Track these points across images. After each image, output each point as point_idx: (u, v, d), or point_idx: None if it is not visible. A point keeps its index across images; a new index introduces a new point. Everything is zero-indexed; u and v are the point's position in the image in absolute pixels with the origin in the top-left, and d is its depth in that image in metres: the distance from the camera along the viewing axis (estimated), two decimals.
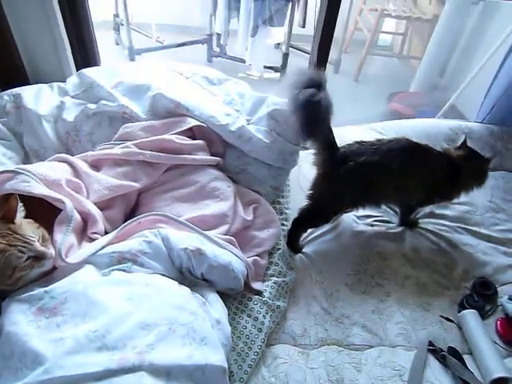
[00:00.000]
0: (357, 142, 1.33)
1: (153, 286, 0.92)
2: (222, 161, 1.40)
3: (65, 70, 1.70)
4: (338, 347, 1.23)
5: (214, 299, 1.02)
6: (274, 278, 1.29)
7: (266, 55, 3.38)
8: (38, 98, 1.44)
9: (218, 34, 3.33)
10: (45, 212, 1.01)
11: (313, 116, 1.21)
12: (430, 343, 1.24)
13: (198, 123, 1.36)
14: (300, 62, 3.47)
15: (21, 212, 0.94)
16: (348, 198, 1.36)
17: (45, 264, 0.92)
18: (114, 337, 0.80)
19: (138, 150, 1.25)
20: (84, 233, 1.08)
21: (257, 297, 1.21)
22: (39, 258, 0.90)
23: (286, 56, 3.34)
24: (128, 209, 1.23)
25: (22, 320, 0.83)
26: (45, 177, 1.07)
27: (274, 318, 1.21)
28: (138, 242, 1.01)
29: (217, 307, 1.00)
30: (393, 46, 4.13)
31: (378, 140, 1.33)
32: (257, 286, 1.23)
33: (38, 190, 1.00)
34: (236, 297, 1.19)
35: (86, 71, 1.54)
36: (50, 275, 0.95)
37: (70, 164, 1.19)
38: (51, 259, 0.92)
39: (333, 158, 1.29)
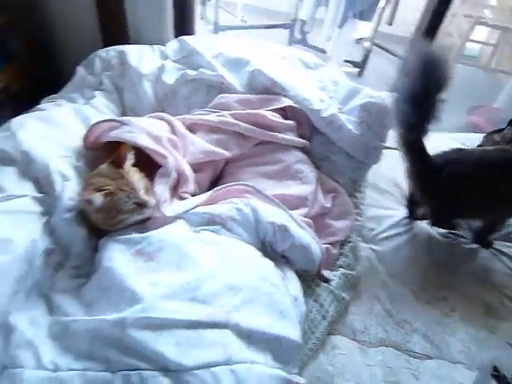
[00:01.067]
0: (454, 150, 1.27)
1: (240, 251, 0.95)
2: (309, 145, 1.40)
3: (163, 35, 1.74)
4: (397, 351, 1.21)
5: (292, 276, 1.03)
6: (342, 270, 1.29)
7: (347, 49, 3.32)
8: (141, 57, 1.49)
9: (303, 21, 3.30)
10: (142, 165, 1.06)
11: (433, 80, 1.09)
12: (495, 368, 1.19)
13: (291, 104, 1.36)
14: (380, 61, 3.38)
15: (130, 160, 0.99)
16: (439, 208, 1.31)
17: (144, 212, 0.97)
18: (204, 292, 0.83)
19: (234, 121, 1.27)
20: (175, 190, 1.12)
21: (325, 284, 1.21)
22: (141, 205, 0.95)
23: (367, 52, 3.26)
24: (215, 175, 1.27)
25: (120, 258, 0.88)
26: (148, 131, 1.11)
27: (337, 308, 1.21)
28: (229, 207, 1.03)
29: (295, 284, 1.01)
30: (481, 56, 3.90)
31: (478, 149, 1.26)
32: (326, 273, 1.23)
33: (143, 141, 1.05)
34: (305, 279, 1.19)
35: (186, 38, 1.58)
36: (143, 224, 1.00)
37: (169, 122, 1.24)
38: (150, 208, 0.97)
39: (426, 164, 1.24)
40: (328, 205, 1.31)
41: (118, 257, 0.88)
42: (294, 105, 1.37)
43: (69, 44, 1.71)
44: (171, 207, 1.02)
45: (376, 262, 1.42)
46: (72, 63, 1.51)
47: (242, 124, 1.27)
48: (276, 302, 0.89)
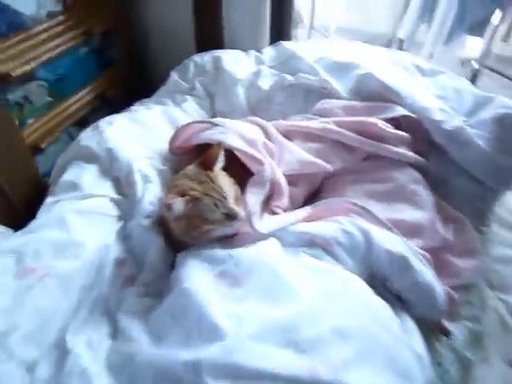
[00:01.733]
0: None
1: (350, 285, 0.73)
2: (426, 164, 1.15)
3: (260, 44, 1.64)
4: None
5: (413, 328, 0.78)
6: (466, 322, 0.99)
7: (450, 69, 2.98)
8: (236, 62, 1.40)
9: (401, 40, 3.06)
10: (233, 172, 0.91)
11: None
12: None
13: (407, 113, 1.13)
14: (491, 84, 2.98)
15: (221, 162, 0.84)
16: None
17: (233, 225, 0.80)
18: (304, 335, 0.62)
19: (337, 128, 1.08)
20: (267, 203, 0.95)
21: (444, 338, 0.94)
22: (230, 216, 0.79)
23: (475, 73, 2.89)
24: (311, 191, 1.08)
25: (201, 279, 0.71)
26: (241, 133, 0.97)
27: (460, 370, 0.92)
28: (333, 227, 0.83)
29: (417, 338, 0.76)
30: None
31: None
32: (447, 324, 0.95)
33: (236, 143, 0.90)
34: (421, 330, 0.93)
35: (285, 43, 1.46)
36: (228, 240, 0.83)
37: (262, 127, 1.09)
38: (240, 221, 0.80)
39: None
40: (449, 237, 1.04)
41: (198, 277, 0.72)
42: (411, 114, 1.14)
43: (164, 51, 1.69)
44: (263, 222, 0.84)
45: (508, 317, 1.10)
46: (166, 70, 1.47)
47: (347, 133, 1.07)
48: (397, 358, 0.65)
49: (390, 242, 0.83)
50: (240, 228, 0.82)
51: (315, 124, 1.11)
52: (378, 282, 0.83)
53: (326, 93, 1.23)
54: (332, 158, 1.07)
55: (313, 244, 0.81)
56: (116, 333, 0.69)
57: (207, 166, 0.82)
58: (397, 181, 1.06)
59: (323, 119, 1.13)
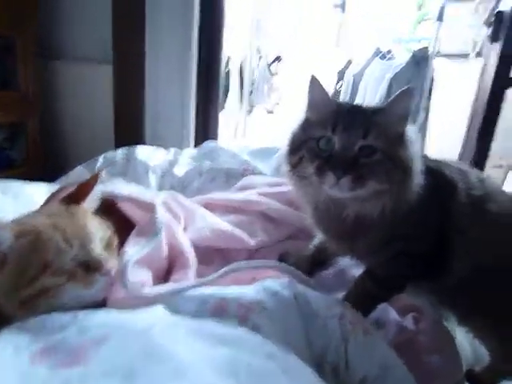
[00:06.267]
0: None
1: (280, 361, 0.43)
2: None
3: (183, 144, 1.57)
4: None
5: None
6: None
7: None
8: (151, 153, 1.28)
9: None
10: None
11: None
12: None
13: None
14: None
15: (94, 201, 0.60)
16: None
17: (94, 284, 0.51)
18: None
19: (261, 199, 0.91)
20: (165, 278, 0.67)
21: None
22: (90, 266, 0.50)
23: None
24: None
25: (8, 367, 0.38)
26: (134, 191, 0.75)
27: None
28: (255, 288, 0.56)
29: None
30: None
31: None
32: None
33: (126, 191, 0.68)
34: None
35: (209, 142, 1.39)
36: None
37: (174, 198, 0.88)
38: (107, 278, 0.51)
39: None
40: (410, 326, 0.80)
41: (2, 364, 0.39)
42: None
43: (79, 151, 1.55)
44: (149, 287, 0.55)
45: None
46: None
47: (274, 203, 0.90)
48: None
49: (336, 305, 0.57)
50: (109, 290, 0.53)
51: (237, 196, 0.93)
52: (328, 366, 0.53)
53: (249, 174, 1.09)
54: (257, 232, 0.86)
55: (223, 312, 0.52)
56: None
57: (75, 200, 0.57)
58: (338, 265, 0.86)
59: (247, 191, 0.96)
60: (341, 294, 0.76)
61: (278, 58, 3.12)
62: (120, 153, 1.29)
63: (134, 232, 0.62)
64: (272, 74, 3.11)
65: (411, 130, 0.59)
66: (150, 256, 0.61)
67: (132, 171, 1.20)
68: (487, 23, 1.54)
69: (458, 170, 0.70)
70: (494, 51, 1.42)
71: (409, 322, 0.83)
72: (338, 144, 0.55)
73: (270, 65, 3.10)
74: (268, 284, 0.58)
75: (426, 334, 0.82)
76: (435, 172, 0.66)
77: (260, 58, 3.12)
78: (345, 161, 0.53)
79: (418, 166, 0.58)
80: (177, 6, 1.40)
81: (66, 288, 0.49)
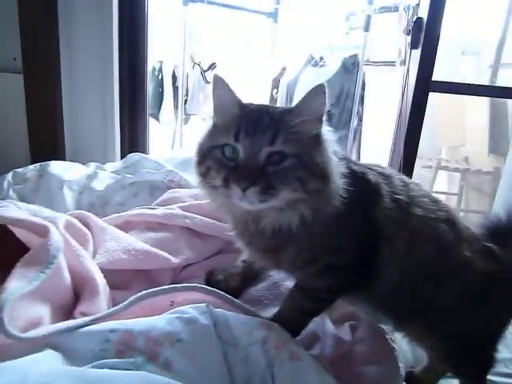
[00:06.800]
0: None
1: None
2: None
3: (108, 158, 1.44)
4: None
5: None
6: None
7: None
8: (67, 168, 1.16)
9: None
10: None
11: None
12: None
13: None
14: None
15: None
16: None
17: None
18: None
19: (185, 213, 0.84)
20: (69, 313, 0.58)
21: None
22: None
23: None
24: None
25: None
26: (36, 213, 0.65)
27: None
28: (168, 318, 0.49)
29: None
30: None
31: None
32: None
33: (13, 213, 0.58)
34: None
35: (135, 154, 1.29)
36: None
37: (83, 219, 0.78)
38: None
39: None
40: (347, 338, 0.78)
41: None
42: None
43: None
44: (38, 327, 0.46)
45: None
46: None
47: (197, 217, 0.83)
48: None
49: (259, 329, 0.51)
50: None
51: (156, 211, 0.85)
52: None
53: (174, 186, 1.02)
54: (182, 249, 0.79)
55: (129, 350, 0.45)
56: None
57: None
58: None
59: (169, 206, 0.88)
60: (275, 308, 0.72)
61: (212, 65, 3.07)
62: (32, 168, 1.16)
63: (20, 262, 0.52)
64: (207, 82, 3.05)
65: (327, 131, 0.55)
66: (44, 288, 0.52)
67: (45, 188, 1.07)
68: (406, 31, 1.59)
69: (382, 174, 0.69)
70: (415, 57, 1.47)
71: (345, 331, 0.81)
72: (242, 152, 0.50)
73: (204, 71, 3.04)
74: (183, 311, 0.51)
75: (364, 344, 0.80)
76: (359, 176, 0.64)
77: (194, 65, 3.05)
78: (250, 171, 0.48)
79: (336, 170, 0.55)
80: (92, 5, 1.29)
81: None
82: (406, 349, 0.96)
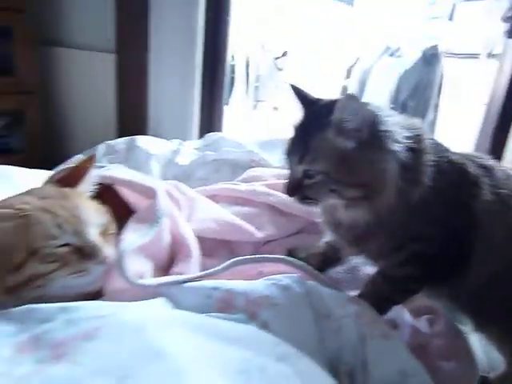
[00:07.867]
0: None
1: (293, 363, 0.39)
2: None
3: (187, 137, 1.51)
4: None
5: None
6: None
7: None
8: (153, 141, 1.23)
9: None
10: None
11: None
12: None
13: None
14: None
15: (90, 185, 0.55)
16: None
17: (89, 272, 0.46)
18: None
19: (269, 191, 0.86)
20: (166, 270, 0.63)
21: None
22: (85, 252, 0.46)
23: None
24: None
25: None
26: (133, 174, 0.71)
27: None
28: (264, 283, 0.51)
29: None
30: None
31: None
32: None
33: (123, 175, 0.63)
34: None
35: (212, 134, 1.34)
36: None
37: (177, 187, 0.83)
38: (103, 267, 0.47)
39: None
40: (425, 330, 0.76)
41: None
42: None
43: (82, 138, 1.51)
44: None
45: None
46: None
47: (281, 195, 0.84)
48: None
49: (352, 305, 0.52)
50: (105, 280, 0.48)
51: (241, 186, 0.88)
52: (343, 373, 0.48)
53: (255, 165, 1.04)
54: (264, 224, 0.81)
55: (229, 307, 0.48)
56: None
57: (69, 183, 0.52)
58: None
59: (255, 182, 0.91)
60: (353, 292, 0.72)
61: (284, 53, 3.06)
62: (121, 141, 1.24)
63: (133, 218, 0.57)
64: (279, 69, 3.05)
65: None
66: (150, 245, 0.57)
67: (133, 160, 1.15)
68: (505, 18, 1.48)
69: (482, 165, 0.65)
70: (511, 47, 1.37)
71: (423, 324, 0.79)
72: (289, 167, 0.57)
73: (276, 59, 3.04)
74: (278, 278, 0.53)
75: (441, 338, 0.78)
76: (458, 167, 0.61)
77: (266, 53, 3.06)
78: (291, 182, 0.56)
79: (391, 173, 0.53)
80: None
81: (57, 276, 0.44)
82: (480, 353, 0.92)
